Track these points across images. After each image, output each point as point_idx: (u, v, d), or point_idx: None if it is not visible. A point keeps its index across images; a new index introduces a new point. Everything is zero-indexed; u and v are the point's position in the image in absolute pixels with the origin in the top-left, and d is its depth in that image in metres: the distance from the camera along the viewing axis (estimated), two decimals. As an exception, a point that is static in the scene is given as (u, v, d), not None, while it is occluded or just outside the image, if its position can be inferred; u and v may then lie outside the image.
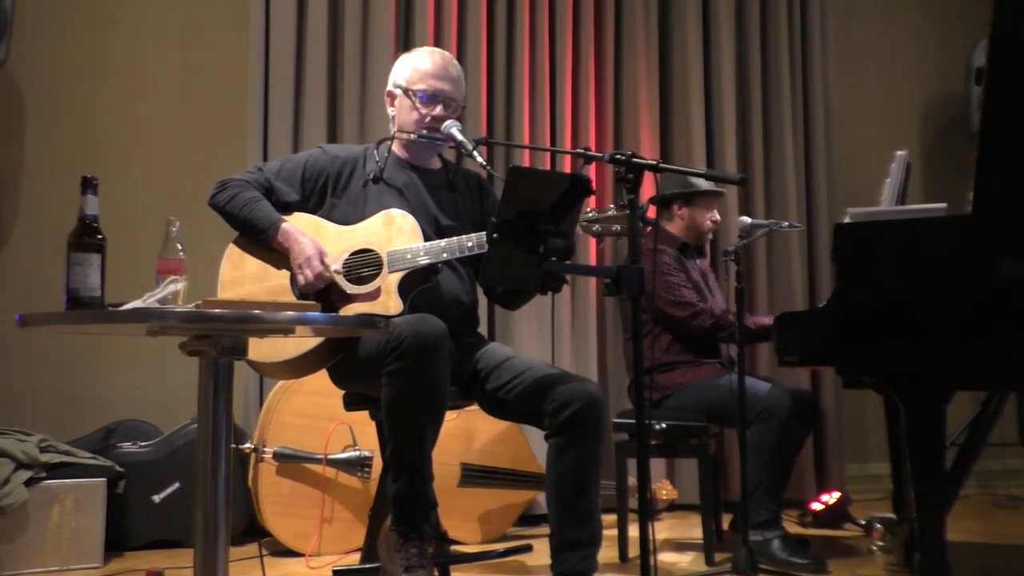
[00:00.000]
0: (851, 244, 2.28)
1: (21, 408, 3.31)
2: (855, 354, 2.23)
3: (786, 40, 4.53)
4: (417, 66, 2.40)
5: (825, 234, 4.44)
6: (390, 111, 2.46)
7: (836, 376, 4.02)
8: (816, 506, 3.77)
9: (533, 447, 3.48)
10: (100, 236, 1.76)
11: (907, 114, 5.06)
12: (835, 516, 3.71)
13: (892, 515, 3.09)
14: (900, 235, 2.24)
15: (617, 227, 2.08)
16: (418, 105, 2.37)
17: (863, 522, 3.53)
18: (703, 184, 3.33)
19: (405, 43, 3.86)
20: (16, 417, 3.18)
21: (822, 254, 4.45)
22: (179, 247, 1.81)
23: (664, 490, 3.88)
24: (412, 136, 2.37)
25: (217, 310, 1.63)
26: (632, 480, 3.24)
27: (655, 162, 1.88)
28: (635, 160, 1.85)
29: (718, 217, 3.44)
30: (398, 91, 2.42)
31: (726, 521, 3.46)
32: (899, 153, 2.76)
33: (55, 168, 3.50)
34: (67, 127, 3.58)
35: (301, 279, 2.21)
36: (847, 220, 2.44)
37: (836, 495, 3.77)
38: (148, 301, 1.71)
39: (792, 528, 3.50)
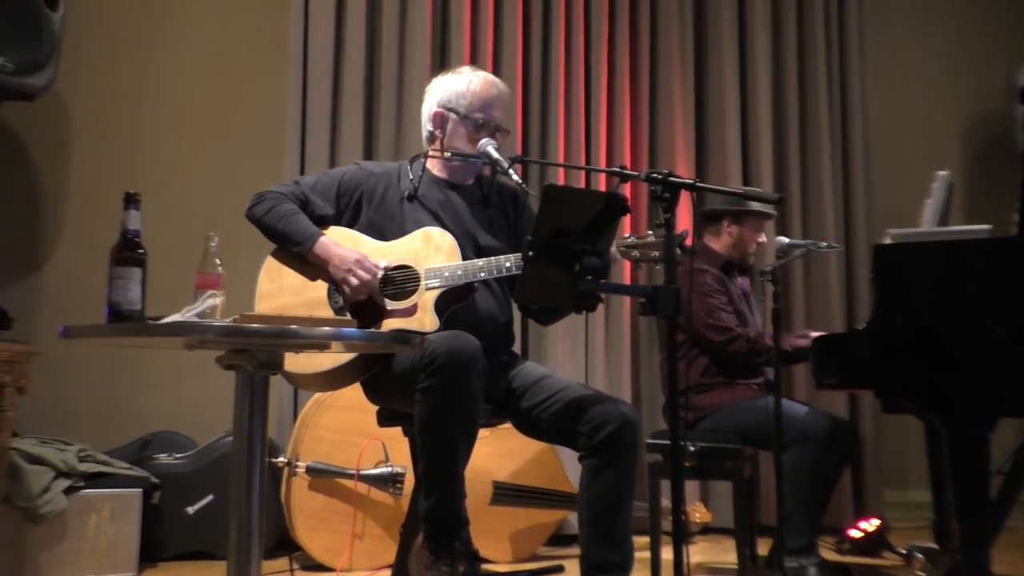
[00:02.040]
0: (891, 265, 2.25)
1: (62, 418, 3.36)
2: (894, 378, 2.20)
3: (823, 57, 4.49)
4: (476, 92, 2.39)
5: (864, 255, 4.38)
6: (432, 130, 2.44)
7: (875, 400, 3.95)
8: (854, 533, 3.70)
9: (565, 466, 3.46)
10: (141, 251, 1.79)
11: (947, 133, 4.99)
12: (873, 544, 3.64)
13: (934, 545, 3.02)
14: (942, 257, 2.20)
15: (656, 254, 2.07)
16: (475, 132, 2.36)
17: (903, 551, 3.45)
18: (756, 204, 3.30)
19: (441, 61, 3.90)
20: (57, 427, 3.23)
21: (861, 275, 4.39)
22: (217, 262, 1.84)
23: (698, 513, 3.83)
24: (448, 155, 2.38)
25: (254, 325, 1.64)
26: (665, 502, 3.20)
27: (692, 181, 1.87)
28: (671, 179, 1.84)
29: (764, 239, 3.40)
30: (452, 115, 2.40)
31: (761, 546, 3.40)
32: (941, 173, 2.72)
33: (99, 185, 3.58)
34: (111, 146, 3.66)
35: (354, 280, 2.20)
36: (887, 241, 2.41)
37: (875, 522, 3.69)
38: (187, 315, 1.73)
39: (829, 555, 3.43)
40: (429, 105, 2.46)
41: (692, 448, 2.98)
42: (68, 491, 2.91)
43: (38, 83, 3.14)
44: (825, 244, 2.98)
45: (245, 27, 3.89)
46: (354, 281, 2.21)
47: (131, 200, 1.81)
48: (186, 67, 3.81)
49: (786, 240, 2.95)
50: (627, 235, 2.16)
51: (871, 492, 4.22)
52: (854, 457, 4.09)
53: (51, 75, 3.16)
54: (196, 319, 1.73)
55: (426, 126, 2.47)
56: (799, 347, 3.06)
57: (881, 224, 4.17)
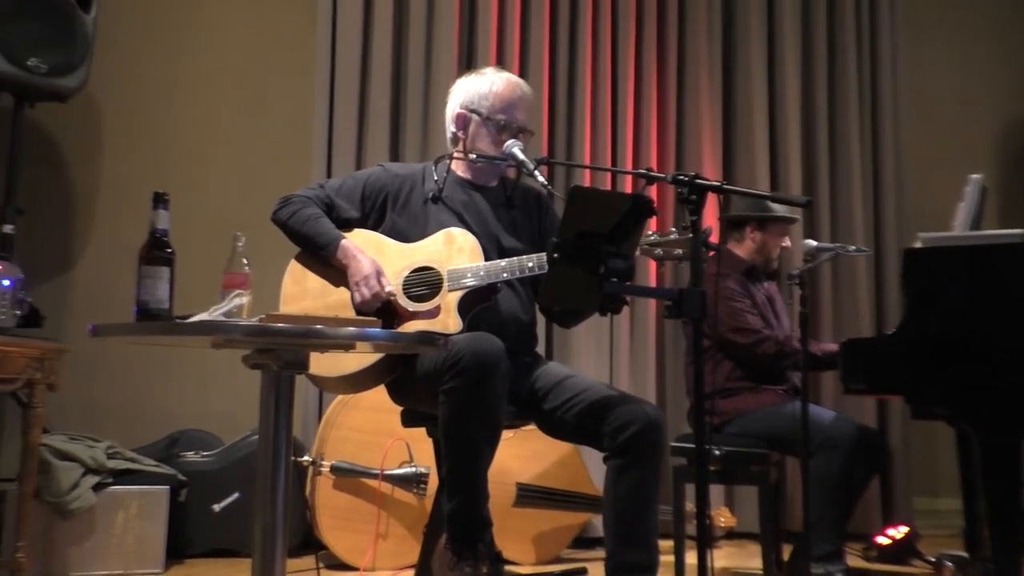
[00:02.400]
0: (922, 270, 2.22)
1: (91, 415, 3.40)
2: (925, 384, 2.17)
3: (854, 57, 4.45)
4: (499, 93, 2.39)
5: (894, 259, 4.33)
6: (455, 131, 2.45)
7: (904, 406, 3.90)
8: (882, 540, 3.65)
9: (590, 469, 3.45)
10: (169, 250, 1.81)
11: (981, 135, 4.91)
12: (902, 551, 3.59)
13: (964, 553, 2.98)
14: (974, 261, 2.17)
15: (679, 251, 2.06)
16: (497, 133, 2.36)
17: (932, 559, 3.41)
18: (780, 209, 3.27)
19: (467, 62, 3.90)
20: (86, 424, 3.27)
21: (891, 280, 4.34)
22: (244, 262, 1.85)
23: (723, 517, 3.80)
24: (472, 156, 2.38)
25: (280, 324, 1.65)
26: (690, 506, 3.18)
27: (719, 183, 1.86)
28: (698, 181, 1.82)
29: (788, 244, 3.37)
30: (474, 116, 2.41)
31: (786, 551, 3.37)
32: (974, 177, 2.68)
33: (129, 185, 3.62)
34: (141, 147, 3.71)
35: (357, 297, 2.22)
36: (918, 245, 2.38)
37: (903, 529, 3.65)
38: (214, 314, 1.75)
39: (856, 562, 3.39)
40: (452, 106, 2.46)
41: (718, 452, 2.96)
42: (97, 487, 2.95)
43: (71, 84, 3.19)
44: (854, 248, 2.95)
45: (274, 29, 3.92)
46: (357, 298, 2.23)
47: (160, 200, 1.83)
48: (216, 68, 3.84)
49: (814, 243, 2.93)
50: (649, 233, 2.15)
51: (900, 499, 4.17)
52: (883, 465, 4.05)
53: (83, 76, 3.21)
54: (223, 318, 1.74)
55: (449, 127, 2.47)
56: (828, 352, 3.03)
57: (912, 228, 4.10)
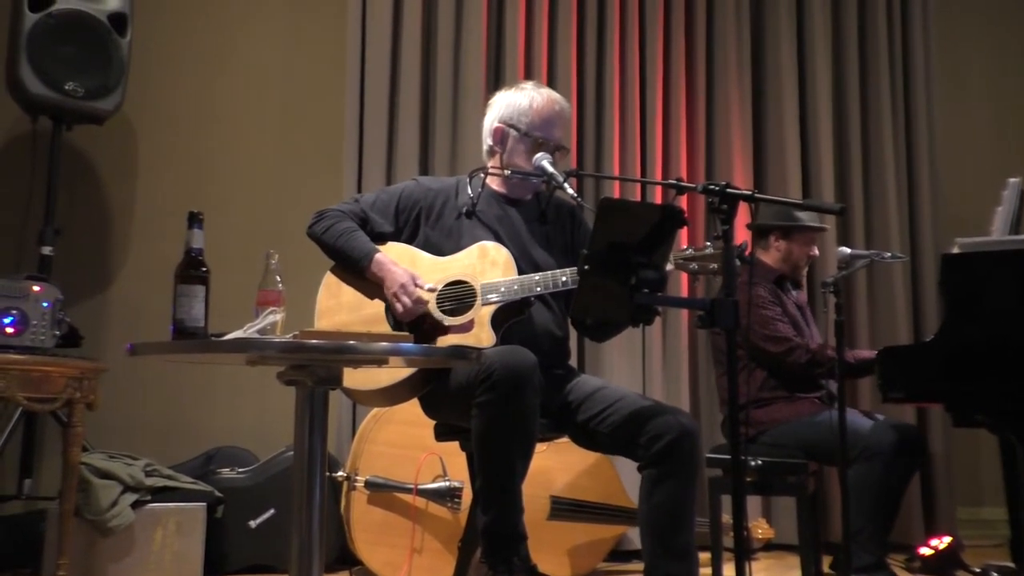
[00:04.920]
0: (960, 275, 2.20)
1: (128, 433, 3.45)
2: (965, 391, 2.14)
3: (886, 59, 4.41)
4: (538, 110, 2.40)
5: (931, 265, 4.28)
6: (492, 145, 2.45)
7: (945, 413, 3.85)
8: (925, 551, 3.59)
9: (624, 481, 3.43)
10: (204, 269, 1.84)
11: (1018, 137, 4.84)
12: (946, 562, 3.52)
13: (1010, 564, 2.92)
14: (1014, 266, 2.14)
15: (714, 266, 2.05)
16: (534, 150, 2.36)
17: (978, 570, 3.34)
18: (805, 218, 3.24)
19: (496, 74, 3.92)
20: (124, 442, 3.31)
21: (928, 286, 4.29)
22: (278, 279, 1.88)
23: (760, 529, 3.77)
24: (506, 172, 2.39)
25: (314, 341, 1.67)
26: (726, 518, 3.16)
27: (750, 192, 1.85)
28: (729, 190, 1.82)
29: (816, 252, 3.34)
30: (512, 132, 2.41)
31: (826, 563, 3.33)
32: (1012, 180, 2.65)
33: (164, 205, 3.68)
34: (176, 167, 3.77)
35: (398, 306, 2.23)
36: (956, 250, 2.35)
37: (947, 540, 3.58)
38: (248, 331, 1.77)
39: (899, 573, 3.34)
40: (490, 120, 2.47)
41: (754, 463, 2.94)
42: (135, 505, 2.98)
43: (107, 107, 3.25)
44: (890, 254, 2.92)
45: (305, 48, 3.97)
46: (398, 307, 2.23)
47: (195, 219, 1.86)
48: (247, 89, 3.90)
49: (848, 250, 2.90)
50: (684, 247, 2.15)
51: (942, 509, 4.10)
52: (923, 470, 3.99)
53: (119, 99, 3.28)
54: (257, 335, 1.77)
55: (486, 140, 2.48)
56: (862, 359, 2.99)
57: (948, 233, 4.06)
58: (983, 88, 4.84)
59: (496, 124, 2.44)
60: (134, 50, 3.34)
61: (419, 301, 2.22)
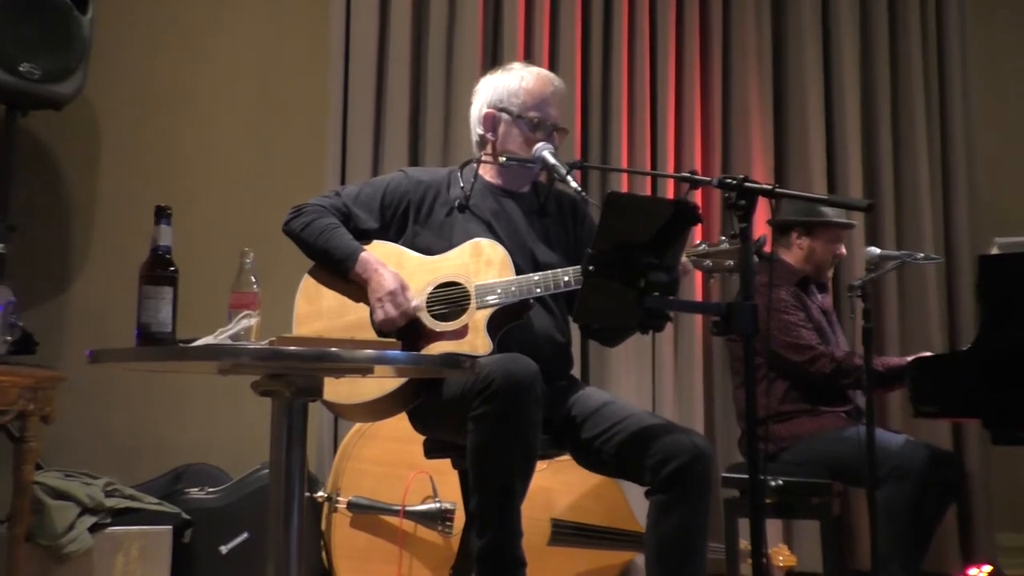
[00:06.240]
0: (999, 278, 2.20)
1: (88, 449, 3.43)
2: (1005, 405, 2.14)
3: (919, 45, 4.42)
4: (530, 89, 2.41)
5: (967, 267, 4.28)
6: (483, 133, 2.46)
7: (982, 430, 3.85)
8: (961, 580, 3.60)
9: (632, 503, 3.43)
10: (173, 268, 1.84)
11: (1063, 129, 4.85)
12: (984, 593, 3.54)
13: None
14: (1058, 268, 2.14)
15: (730, 262, 2.05)
16: (530, 132, 2.37)
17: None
18: (830, 213, 3.25)
19: (492, 58, 3.92)
20: (83, 459, 3.30)
21: (963, 290, 4.29)
22: (253, 280, 1.87)
23: (781, 556, 3.76)
24: (501, 160, 2.40)
25: (292, 348, 1.67)
26: (744, 543, 3.16)
27: (770, 186, 1.85)
28: (747, 184, 1.82)
29: (844, 252, 3.35)
30: (504, 115, 2.42)
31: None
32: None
33: (129, 199, 3.66)
34: (142, 157, 3.75)
35: (380, 314, 2.23)
36: (994, 251, 2.36)
37: (986, 569, 3.59)
38: (220, 337, 1.76)
39: (932, 605, 3.34)
40: (478, 106, 2.47)
41: (774, 483, 2.94)
42: (94, 528, 2.97)
43: (66, 90, 3.24)
44: (922, 255, 2.93)
45: (286, 29, 3.96)
46: (380, 315, 2.23)
47: (162, 214, 1.86)
48: (222, 72, 3.89)
49: (877, 251, 2.90)
50: (698, 243, 2.15)
51: (980, 534, 4.10)
52: (959, 494, 3.99)
53: (80, 82, 3.27)
54: (230, 342, 1.76)
55: (476, 129, 2.49)
56: (893, 367, 2.99)
57: (986, 232, 4.07)
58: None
59: (486, 110, 2.45)
60: (97, 28, 3.33)
61: (405, 314, 2.22)
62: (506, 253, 2.29)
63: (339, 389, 2.17)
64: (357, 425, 3.23)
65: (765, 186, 1.83)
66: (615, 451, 2.16)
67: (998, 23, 4.84)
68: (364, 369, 1.86)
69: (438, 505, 3.18)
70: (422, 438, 2.42)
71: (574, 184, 2.20)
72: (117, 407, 3.58)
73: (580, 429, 2.24)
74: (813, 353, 3.08)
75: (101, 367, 1.76)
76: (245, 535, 3.25)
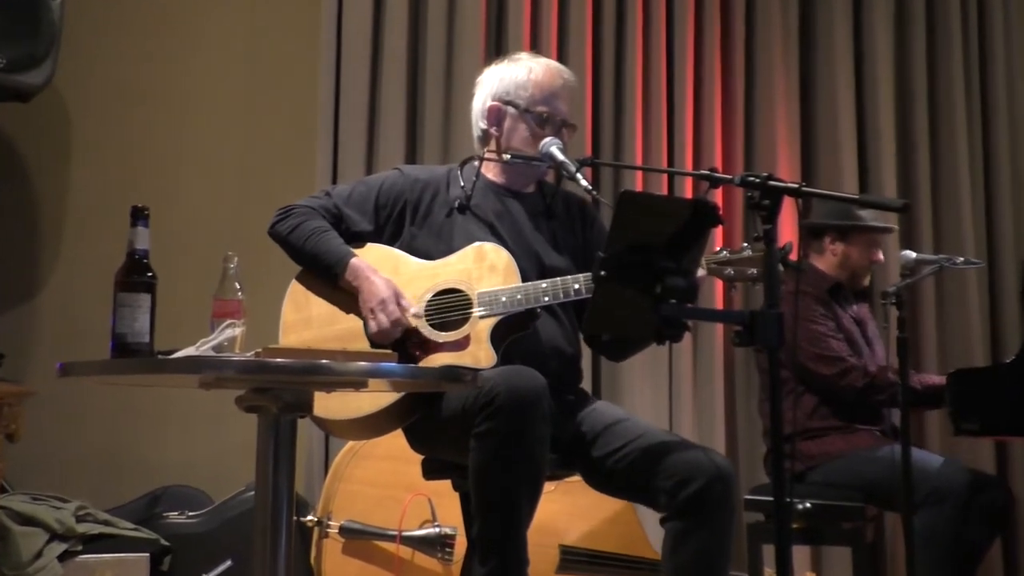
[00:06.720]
0: (1046, 284, 2.20)
1: (58, 470, 3.44)
2: (1053, 422, 2.14)
3: (959, 34, 4.42)
4: (538, 82, 2.41)
5: (1011, 272, 4.27)
6: (486, 128, 2.46)
7: (1028, 449, 3.85)
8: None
9: (647, 527, 3.43)
10: (150, 274, 1.84)
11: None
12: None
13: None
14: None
15: (753, 271, 2.06)
16: (538, 128, 2.38)
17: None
18: (867, 216, 3.25)
19: (496, 49, 3.93)
20: (52, 480, 3.31)
21: (1008, 297, 4.28)
22: (237, 287, 1.88)
23: (809, 586, 3.77)
24: (506, 157, 2.40)
25: (279, 359, 1.67)
26: (769, 572, 3.16)
27: (796, 185, 1.85)
28: (772, 183, 1.82)
29: (881, 258, 3.34)
30: (510, 109, 2.42)
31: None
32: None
33: (103, 198, 3.67)
34: (117, 153, 3.76)
35: (373, 325, 2.23)
36: (1040, 255, 2.36)
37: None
38: (202, 348, 1.77)
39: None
40: (482, 99, 2.48)
41: (801, 506, 2.93)
42: (64, 556, 2.97)
43: (34, 81, 3.24)
44: (962, 259, 2.94)
45: (274, 19, 3.97)
46: (373, 327, 2.23)
47: (139, 215, 1.86)
48: (203, 62, 3.89)
49: (914, 255, 2.91)
50: (718, 249, 2.15)
51: (1028, 566, 4.10)
52: (1006, 522, 3.98)
53: (49, 71, 3.27)
54: (213, 353, 1.77)
55: (478, 124, 2.49)
56: (930, 386, 3.00)
57: (1032, 234, 4.07)
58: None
59: (490, 103, 2.45)
60: (68, 14, 3.33)
61: (398, 324, 2.22)
62: (511, 258, 2.29)
63: (330, 404, 2.17)
64: (350, 444, 3.23)
65: (791, 184, 1.84)
66: (628, 471, 2.16)
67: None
68: (357, 383, 1.86)
69: (437, 530, 3.18)
70: (420, 458, 2.42)
71: (584, 183, 2.20)
72: (90, 424, 3.58)
73: (591, 447, 2.24)
74: (844, 366, 3.08)
75: (73, 381, 1.77)
76: (228, 563, 3.26)
